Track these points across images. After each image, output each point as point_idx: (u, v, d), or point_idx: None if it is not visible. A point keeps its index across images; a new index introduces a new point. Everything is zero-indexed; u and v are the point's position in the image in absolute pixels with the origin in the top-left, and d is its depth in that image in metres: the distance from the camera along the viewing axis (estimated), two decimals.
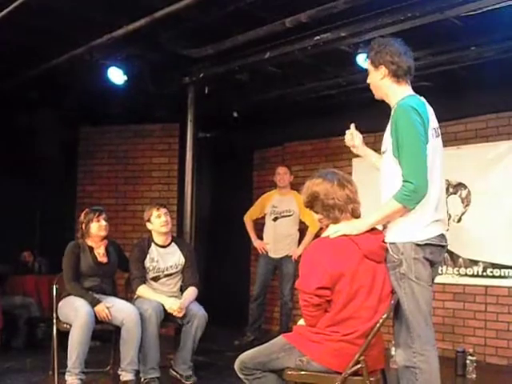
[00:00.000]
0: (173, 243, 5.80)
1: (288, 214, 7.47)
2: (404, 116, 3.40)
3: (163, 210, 5.69)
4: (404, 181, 3.33)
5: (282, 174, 7.57)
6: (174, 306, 5.35)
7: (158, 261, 5.64)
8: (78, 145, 8.91)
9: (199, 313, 5.46)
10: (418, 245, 3.38)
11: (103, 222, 5.49)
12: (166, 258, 5.69)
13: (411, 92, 3.61)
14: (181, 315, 5.39)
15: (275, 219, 7.52)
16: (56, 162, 8.19)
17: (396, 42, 3.62)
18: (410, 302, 3.39)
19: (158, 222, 5.64)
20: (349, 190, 3.46)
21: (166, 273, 5.66)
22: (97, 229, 5.46)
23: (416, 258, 3.38)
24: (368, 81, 3.74)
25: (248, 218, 7.73)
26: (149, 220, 5.70)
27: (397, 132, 3.39)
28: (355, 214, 3.49)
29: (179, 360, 5.52)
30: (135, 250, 5.71)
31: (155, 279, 5.64)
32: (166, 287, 5.65)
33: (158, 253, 5.67)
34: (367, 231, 3.42)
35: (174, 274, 5.68)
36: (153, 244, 5.71)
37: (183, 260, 5.73)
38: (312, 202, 3.52)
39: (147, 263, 5.62)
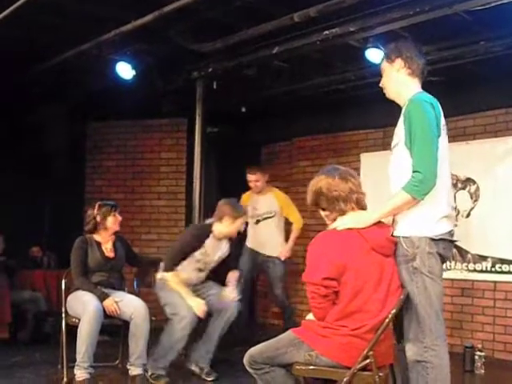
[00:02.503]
0: None
1: (270, 215, 7.12)
2: (418, 108, 3.43)
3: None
4: (413, 171, 3.35)
5: (254, 182, 7.12)
6: (198, 310, 5.22)
7: (209, 254, 5.51)
8: (86, 140, 8.94)
9: (232, 304, 5.47)
10: (433, 239, 3.40)
11: (119, 217, 5.52)
12: (216, 250, 5.58)
13: (421, 90, 3.64)
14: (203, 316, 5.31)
15: (257, 222, 7.16)
16: (64, 157, 8.21)
17: (410, 42, 3.76)
18: (422, 296, 3.40)
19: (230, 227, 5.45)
20: (352, 183, 3.47)
21: (212, 265, 5.62)
22: (113, 223, 5.48)
23: (430, 252, 3.40)
24: (381, 83, 3.77)
25: None
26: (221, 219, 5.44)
27: (410, 123, 3.41)
28: (360, 204, 3.49)
29: (201, 351, 5.49)
30: (190, 236, 5.53)
31: (199, 270, 5.54)
32: (200, 275, 5.60)
33: (212, 245, 5.50)
34: (374, 224, 3.42)
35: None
36: (211, 236, 5.48)
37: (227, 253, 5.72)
38: (317, 199, 3.52)
39: (197, 255, 5.43)
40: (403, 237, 3.44)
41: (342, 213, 3.46)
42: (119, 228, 5.57)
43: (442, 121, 3.52)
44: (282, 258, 7.03)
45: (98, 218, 5.49)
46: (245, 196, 7.28)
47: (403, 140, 3.46)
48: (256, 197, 7.17)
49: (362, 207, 3.50)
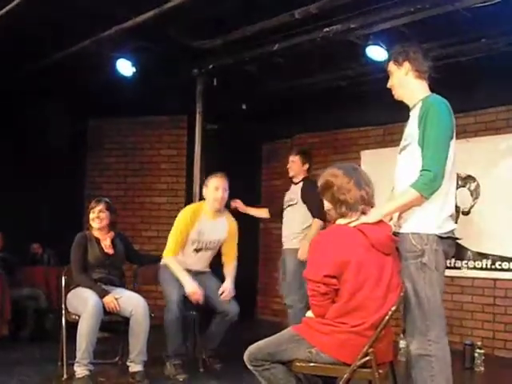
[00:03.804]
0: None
1: (215, 245, 5.72)
2: (436, 110, 3.48)
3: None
4: (423, 169, 3.41)
5: (220, 190, 5.57)
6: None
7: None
8: (86, 136, 8.94)
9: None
10: (441, 237, 3.48)
11: (97, 214, 5.47)
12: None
13: (430, 91, 3.69)
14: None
15: (198, 251, 5.65)
16: (65, 154, 8.21)
17: (416, 44, 3.78)
18: (429, 290, 3.47)
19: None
20: (365, 192, 3.44)
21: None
22: (91, 220, 5.48)
23: (437, 249, 3.48)
24: (389, 83, 3.81)
25: (170, 254, 5.53)
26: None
27: (426, 123, 3.45)
28: (364, 214, 3.48)
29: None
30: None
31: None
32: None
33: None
34: (374, 223, 3.43)
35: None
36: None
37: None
38: (325, 190, 3.52)
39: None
40: (412, 233, 3.50)
41: (342, 216, 3.46)
42: (100, 225, 5.46)
43: (454, 122, 3.56)
44: (227, 298, 5.56)
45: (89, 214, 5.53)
46: (191, 213, 5.61)
47: (417, 139, 3.49)
48: (208, 220, 5.61)
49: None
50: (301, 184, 6.46)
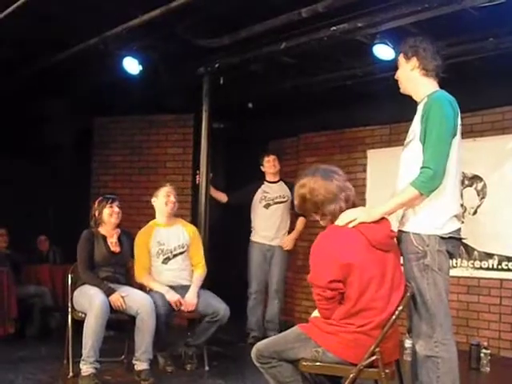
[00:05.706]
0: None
1: (182, 250, 5.79)
2: (439, 106, 3.45)
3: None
4: (423, 167, 3.39)
5: (172, 196, 5.86)
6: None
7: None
8: (92, 135, 8.94)
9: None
10: (443, 238, 3.45)
11: (116, 209, 5.52)
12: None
13: (438, 88, 3.65)
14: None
15: (166, 260, 5.72)
16: (71, 152, 8.23)
17: (429, 41, 3.72)
18: (433, 292, 3.45)
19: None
20: (337, 181, 3.44)
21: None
22: (108, 215, 5.49)
23: (440, 250, 3.45)
24: (397, 75, 3.79)
25: (143, 273, 5.67)
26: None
27: (427, 120, 3.43)
28: (349, 202, 3.46)
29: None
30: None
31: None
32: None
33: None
34: (373, 221, 3.41)
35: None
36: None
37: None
38: (303, 206, 3.51)
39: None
40: (413, 233, 3.48)
41: (333, 215, 3.44)
42: (118, 221, 5.56)
43: (459, 120, 3.55)
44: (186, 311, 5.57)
45: (97, 213, 5.52)
46: (145, 230, 5.86)
47: (418, 135, 3.47)
48: (163, 230, 5.84)
49: (353, 204, 3.48)
50: (282, 183, 7.17)
